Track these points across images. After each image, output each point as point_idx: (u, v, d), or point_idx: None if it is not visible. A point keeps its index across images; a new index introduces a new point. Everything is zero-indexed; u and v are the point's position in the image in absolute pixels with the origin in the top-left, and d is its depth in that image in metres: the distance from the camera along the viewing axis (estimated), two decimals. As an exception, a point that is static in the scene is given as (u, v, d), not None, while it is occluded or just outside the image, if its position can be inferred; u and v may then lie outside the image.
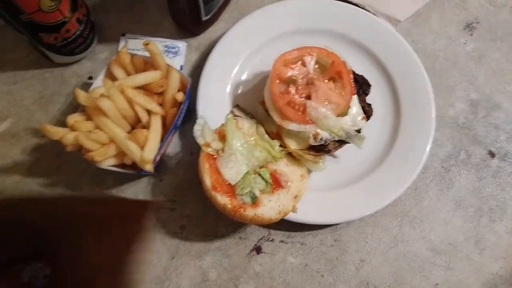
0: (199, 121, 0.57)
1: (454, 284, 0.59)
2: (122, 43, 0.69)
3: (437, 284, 0.59)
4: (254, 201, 0.53)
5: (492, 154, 0.65)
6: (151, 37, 0.69)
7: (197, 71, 0.68)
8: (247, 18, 0.67)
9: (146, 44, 0.55)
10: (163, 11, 0.72)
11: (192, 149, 0.65)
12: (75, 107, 0.66)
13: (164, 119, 0.58)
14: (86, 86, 0.67)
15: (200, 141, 0.55)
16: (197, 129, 0.56)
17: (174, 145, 0.65)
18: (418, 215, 0.62)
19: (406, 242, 0.61)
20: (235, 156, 0.55)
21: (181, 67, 0.68)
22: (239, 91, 0.66)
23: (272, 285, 0.59)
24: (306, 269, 0.59)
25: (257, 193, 0.54)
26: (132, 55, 0.58)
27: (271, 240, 0.61)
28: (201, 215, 0.62)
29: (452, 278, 0.59)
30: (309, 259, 0.60)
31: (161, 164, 0.63)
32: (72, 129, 0.53)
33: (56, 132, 0.52)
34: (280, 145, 0.59)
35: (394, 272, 0.59)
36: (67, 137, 0.52)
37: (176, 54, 0.68)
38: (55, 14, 0.55)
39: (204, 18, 0.66)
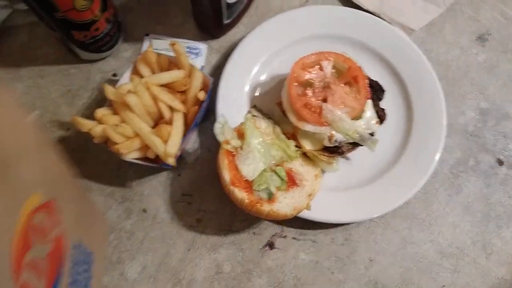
0: (220, 119, 0.59)
1: (461, 286, 0.61)
2: (146, 43, 0.72)
3: (443, 286, 0.61)
4: (270, 197, 0.55)
5: (500, 162, 0.67)
6: (174, 38, 0.72)
7: (216, 72, 0.70)
8: (267, 22, 0.70)
9: (172, 44, 0.58)
10: (185, 14, 0.75)
11: (210, 147, 0.67)
12: (99, 101, 0.69)
13: (185, 116, 0.61)
14: (110, 83, 0.70)
15: (220, 138, 0.58)
16: (218, 127, 0.58)
17: (193, 142, 0.68)
18: (427, 218, 0.64)
19: (414, 244, 0.63)
20: (253, 154, 0.58)
21: (202, 68, 0.71)
22: (257, 93, 0.68)
23: (284, 280, 0.61)
24: (317, 266, 0.62)
25: (273, 189, 0.56)
26: (158, 54, 0.61)
27: (284, 237, 0.63)
28: (216, 209, 0.64)
29: (459, 280, 0.61)
30: (320, 257, 0.62)
31: (180, 159, 0.66)
32: (100, 122, 0.56)
33: (86, 124, 0.55)
34: (296, 145, 0.61)
35: (402, 273, 0.61)
36: (96, 129, 0.55)
37: (197, 55, 0.71)
38: (87, 13, 0.58)
39: (225, 22, 0.69)
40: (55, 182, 0.44)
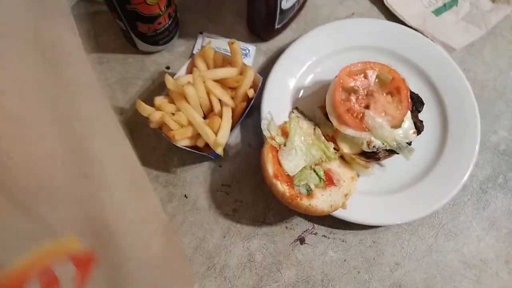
0: (267, 117, 0.63)
1: (482, 297, 0.63)
2: (199, 41, 0.76)
3: (465, 295, 0.63)
4: (309, 193, 0.59)
5: (529, 182, 0.69)
6: (225, 37, 0.76)
7: (262, 73, 0.74)
8: (315, 30, 0.74)
9: (231, 43, 0.62)
10: (237, 15, 0.79)
11: (250, 142, 0.71)
12: (152, 91, 0.74)
13: (232, 111, 0.65)
14: (163, 75, 0.75)
15: (266, 133, 0.62)
16: (264, 123, 0.62)
17: (235, 137, 0.72)
18: (453, 229, 0.67)
19: (439, 253, 0.65)
20: (295, 151, 0.61)
21: (249, 68, 0.75)
22: (300, 95, 0.72)
23: (312, 274, 0.64)
24: (344, 264, 0.65)
25: (312, 186, 0.59)
26: (215, 51, 0.65)
27: (315, 234, 0.66)
28: (252, 201, 0.68)
29: (480, 291, 0.63)
30: (347, 256, 0.65)
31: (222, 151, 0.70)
32: (158, 109, 0.61)
33: (147, 109, 0.59)
34: (334, 148, 0.65)
35: (425, 279, 0.64)
36: (154, 115, 0.59)
37: (246, 55, 0.75)
38: (155, 7, 0.63)
39: (276, 26, 0.73)
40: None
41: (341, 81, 0.64)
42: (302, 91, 0.72)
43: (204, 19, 0.79)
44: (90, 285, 0.31)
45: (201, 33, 0.77)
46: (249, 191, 0.69)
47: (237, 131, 0.72)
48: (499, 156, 0.71)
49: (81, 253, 0.31)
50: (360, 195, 0.65)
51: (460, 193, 0.68)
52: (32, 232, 0.27)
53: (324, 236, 0.66)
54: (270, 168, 0.59)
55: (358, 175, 0.65)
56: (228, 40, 0.76)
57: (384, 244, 0.66)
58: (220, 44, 0.75)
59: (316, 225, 0.67)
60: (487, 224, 0.67)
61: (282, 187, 0.58)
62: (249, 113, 0.71)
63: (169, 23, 0.70)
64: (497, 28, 0.79)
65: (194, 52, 0.76)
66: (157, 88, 0.74)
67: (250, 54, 0.76)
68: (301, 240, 0.66)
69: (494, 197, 0.68)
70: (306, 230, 0.67)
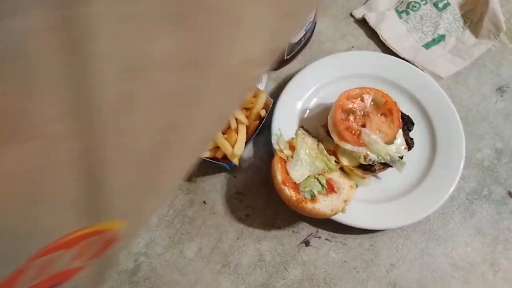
0: (277, 133, 0.73)
1: (469, 296, 0.70)
2: (218, 68, 0.88)
3: (454, 294, 0.70)
4: (313, 198, 0.68)
5: (510, 195, 0.77)
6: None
7: (272, 96, 0.85)
8: (319, 61, 0.85)
9: (247, 70, 0.73)
10: (251, 48, 0.91)
11: (261, 156, 0.81)
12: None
13: (246, 128, 0.76)
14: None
15: (276, 147, 0.72)
16: (274, 138, 0.72)
17: (248, 152, 0.82)
18: (443, 235, 0.74)
19: (430, 255, 0.73)
20: (301, 162, 0.71)
21: (261, 92, 0.86)
22: (305, 116, 0.83)
23: (315, 273, 0.72)
24: (345, 265, 0.72)
25: (315, 192, 0.69)
26: (232, 77, 0.77)
27: (318, 237, 0.75)
28: (263, 208, 0.77)
29: (468, 291, 0.70)
30: (348, 257, 0.73)
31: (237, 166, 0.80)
32: (184, 124, 0.72)
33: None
34: (335, 161, 0.74)
35: (418, 279, 0.71)
36: (181, 129, 0.70)
37: (259, 82, 0.87)
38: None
39: (285, 57, 0.85)
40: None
41: (341, 103, 0.74)
42: (307, 112, 0.83)
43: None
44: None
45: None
46: (260, 198, 0.78)
47: (250, 146, 0.82)
48: (484, 171, 0.80)
49: (116, 234, 0.35)
50: (359, 203, 0.73)
51: (448, 203, 0.76)
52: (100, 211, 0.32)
53: (327, 239, 0.74)
54: (279, 176, 0.68)
55: (356, 185, 0.74)
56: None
57: (380, 247, 0.74)
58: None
59: (319, 230, 0.75)
60: (474, 230, 0.75)
61: (289, 192, 0.67)
62: (260, 131, 0.82)
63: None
64: (480, 60, 0.89)
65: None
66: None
67: (263, 80, 0.87)
68: (306, 243, 0.74)
69: (480, 207, 0.76)
70: (311, 234, 0.75)
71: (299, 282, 0.71)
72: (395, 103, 0.74)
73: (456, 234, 0.74)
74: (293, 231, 0.75)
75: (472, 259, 0.72)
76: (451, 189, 0.74)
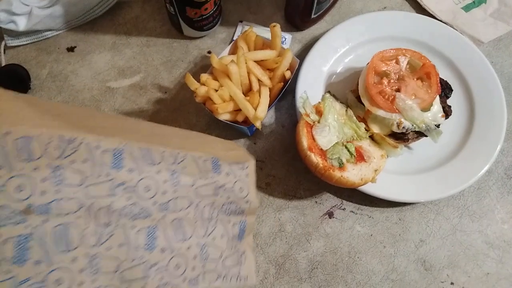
0: (303, 95, 0.68)
1: (504, 276, 0.65)
2: (239, 28, 0.82)
3: (488, 273, 0.65)
4: (341, 166, 0.63)
5: (554, 170, 0.71)
6: (263, 26, 0.82)
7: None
8: (349, 20, 0.78)
9: (273, 26, 0.67)
10: (275, 6, 0.85)
11: (283, 123, 0.76)
12: (194, 72, 0.80)
13: (270, 91, 0.70)
14: (205, 59, 0.81)
15: (302, 110, 0.66)
16: (300, 101, 0.67)
17: (270, 117, 0.76)
18: (478, 211, 0.69)
19: (463, 232, 0.68)
20: (328, 128, 0.66)
21: (285, 54, 0.80)
22: (332, 80, 0.77)
23: (339, 246, 0.68)
24: (371, 239, 0.68)
25: (344, 160, 0.63)
26: (256, 35, 0.71)
27: (343, 209, 0.70)
28: (284, 176, 0.72)
29: (503, 271, 0.66)
30: (374, 231, 0.69)
31: (257, 130, 0.74)
32: (203, 84, 0.66)
33: (194, 84, 0.65)
34: (365, 128, 0.69)
35: (449, 256, 0.67)
36: (200, 89, 0.65)
37: (283, 43, 0.80)
38: (203, -7, 0.69)
39: (312, 16, 0.78)
40: None
41: (374, 65, 0.68)
42: (334, 77, 0.77)
43: (244, 9, 0.85)
44: None
45: (241, 21, 0.83)
46: (281, 167, 0.73)
47: (271, 112, 0.77)
48: (525, 145, 0.74)
49: None
50: (388, 174, 0.68)
51: (485, 178, 0.71)
52: None
53: (352, 212, 0.70)
54: (305, 142, 0.63)
55: (387, 156, 0.69)
56: (265, 28, 0.81)
57: (409, 222, 0.69)
58: (259, 31, 0.80)
59: (344, 201, 0.70)
60: (511, 208, 0.69)
61: (316, 158, 0.62)
62: (283, 96, 0.76)
63: (214, 9, 0.75)
64: (525, 25, 0.82)
65: (234, 38, 0.82)
66: (199, 70, 0.80)
67: (287, 41, 0.81)
68: (330, 214, 0.70)
69: (519, 183, 0.71)
70: (335, 205, 0.70)
71: (321, 254, 0.67)
72: (433, 66, 0.67)
73: (492, 210, 0.69)
74: (316, 202, 0.71)
75: (509, 238, 0.67)
76: (489, 163, 0.68)
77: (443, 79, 0.70)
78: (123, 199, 0.40)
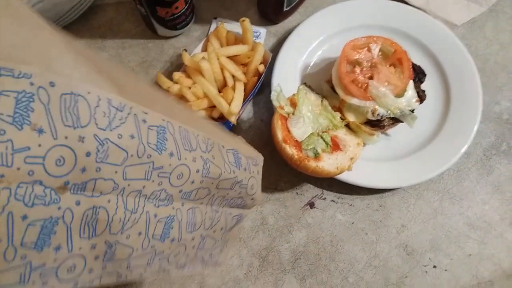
0: (276, 88, 0.68)
1: (486, 256, 0.65)
2: (214, 25, 0.82)
3: (470, 254, 0.66)
4: (317, 156, 0.63)
5: (532, 149, 0.72)
6: (238, 22, 0.82)
7: (272, 52, 0.79)
8: (321, 12, 0.78)
9: (242, 21, 0.67)
10: (249, 3, 0.85)
11: (262, 117, 0.76)
12: (170, 72, 0.80)
13: (245, 86, 0.70)
14: (180, 57, 0.81)
15: (275, 103, 0.66)
16: (274, 95, 0.67)
17: (248, 112, 0.77)
18: (458, 194, 0.69)
19: (444, 215, 0.68)
20: (303, 119, 0.66)
21: (260, 48, 0.80)
22: (307, 72, 0.77)
23: (321, 236, 0.68)
24: (352, 226, 0.68)
25: (319, 150, 0.64)
26: (227, 31, 0.71)
27: (324, 199, 0.70)
28: (265, 170, 0.71)
29: (485, 251, 0.66)
30: (355, 219, 0.69)
31: (236, 126, 0.75)
32: (176, 82, 0.66)
33: (166, 82, 0.65)
34: (341, 117, 0.69)
35: (431, 240, 0.67)
36: (173, 87, 0.65)
37: (257, 37, 0.80)
38: (172, -8, 0.69)
39: (285, 9, 0.78)
40: None
41: (346, 54, 0.68)
42: (309, 68, 0.77)
43: (217, 5, 0.85)
44: None
45: (215, 18, 0.83)
46: (261, 161, 0.73)
47: (249, 106, 0.77)
48: (502, 125, 0.74)
49: None
50: (366, 162, 0.68)
51: (464, 160, 0.71)
52: None
53: (333, 201, 0.70)
54: (279, 134, 0.63)
55: (364, 144, 0.69)
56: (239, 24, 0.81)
57: (390, 208, 0.69)
58: (233, 27, 0.80)
59: (325, 191, 0.71)
60: (491, 188, 0.70)
61: (290, 150, 0.62)
62: (260, 90, 0.76)
63: (186, 8, 0.76)
64: (499, 6, 0.82)
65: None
66: (175, 69, 0.80)
67: (261, 36, 0.81)
68: (311, 205, 0.70)
69: (498, 163, 0.71)
70: (316, 195, 0.71)
71: (304, 245, 0.67)
72: (405, 52, 0.67)
73: (472, 192, 0.70)
74: (297, 193, 0.71)
75: (490, 218, 0.68)
76: (467, 145, 0.68)
77: (416, 64, 0.70)
78: (154, 184, 0.35)
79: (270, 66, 0.74)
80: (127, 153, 0.32)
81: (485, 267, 0.65)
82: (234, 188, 0.48)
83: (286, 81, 0.73)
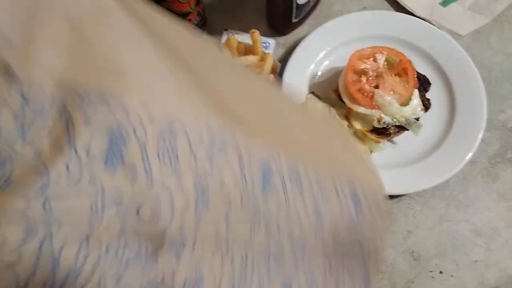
0: (285, 97, 0.70)
1: (492, 263, 0.66)
2: (224, 37, 0.85)
3: (476, 261, 0.67)
4: (324, 163, 0.65)
5: (537, 157, 0.72)
6: (248, 33, 0.85)
7: (281, 63, 0.82)
8: (329, 23, 0.81)
9: (252, 32, 0.70)
10: (259, 14, 0.88)
11: (271, 125, 0.78)
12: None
13: (254, 95, 0.73)
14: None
15: (284, 112, 0.69)
16: (283, 103, 0.70)
17: (257, 120, 0.79)
18: (464, 201, 0.71)
19: (450, 222, 0.69)
20: (311, 127, 0.68)
21: (269, 59, 0.83)
22: (315, 81, 0.79)
23: (329, 241, 0.69)
24: (359, 232, 0.70)
25: (327, 157, 0.66)
26: (238, 42, 0.74)
27: (331, 205, 0.72)
28: (274, 177, 0.74)
29: (491, 258, 0.67)
30: (362, 225, 0.70)
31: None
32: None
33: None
34: (348, 125, 0.71)
35: (437, 246, 0.68)
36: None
37: (266, 48, 0.83)
38: (185, 5, 0.73)
39: (293, 21, 0.81)
40: None
41: (352, 64, 0.70)
42: (317, 77, 0.79)
43: (229, 18, 0.88)
44: None
45: (226, 29, 0.86)
46: (270, 168, 0.75)
47: (259, 115, 0.79)
48: (507, 133, 0.75)
49: None
50: (373, 169, 0.70)
51: (469, 167, 0.72)
52: None
53: (340, 207, 0.72)
54: (288, 141, 0.65)
55: (371, 151, 0.71)
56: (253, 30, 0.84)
57: (396, 214, 0.70)
58: (244, 39, 0.83)
59: (332, 198, 0.72)
60: (497, 195, 0.71)
61: (299, 157, 0.64)
62: (269, 99, 0.79)
63: (198, 20, 0.79)
64: (503, 16, 0.83)
65: (219, 47, 0.85)
66: (187, 79, 0.82)
67: (270, 46, 0.84)
68: (319, 211, 0.72)
69: (503, 170, 0.72)
70: (323, 202, 0.72)
71: (312, 250, 0.69)
72: (409, 61, 0.69)
73: (477, 199, 0.71)
74: (305, 200, 0.73)
75: (495, 225, 0.69)
76: (472, 152, 0.69)
77: (421, 74, 0.72)
78: (262, 234, 0.27)
79: (279, 74, 0.77)
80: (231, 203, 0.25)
81: (491, 273, 0.66)
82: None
83: (294, 90, 0.76)
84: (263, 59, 0.73)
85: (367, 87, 0.69)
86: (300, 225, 0.28)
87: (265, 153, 0.27)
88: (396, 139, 0.73)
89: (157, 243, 0.21)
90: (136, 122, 0.21)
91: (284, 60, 0.82)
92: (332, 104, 0.73)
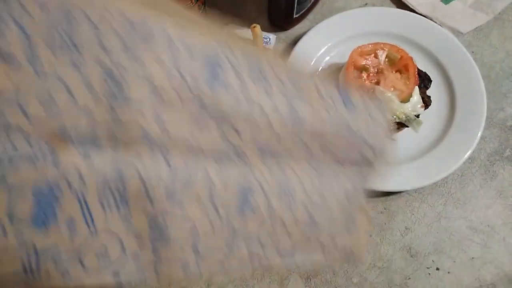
0: (285, 92, 0.70)
1: (489, 260, 0.67)
2: (225, 30, 0.85)
3: (473, 258, 0.67)
4: (324, 158, 0.65)
5: (536, 155, 0.73)
6: (248, 28, 0.84)
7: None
8: (330, 19, 0.81)
9: (253, 27, 0.70)
10: (259, 9, 0.87)
11: (271, 120, 0.78)
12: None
13: (254, 90, 0.73)
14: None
15: (284, 107, 0.69)
16: (283, 98, 0.70)
17: (257, 115, 0.79)
18: (462, 198, 0.71)
19: (448, 219, 0.70)
20: (311, 123, 0.68)
21: (270, 54, 0.83)
22: (316, 77, 0.79)
23: (327, 237, 0.70)
24: (357, 228, 0.70)
25: (326, 153, 0.66)
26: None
27: (330, 201, 0.72)
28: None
29: (488, 255, 0.67)
30: (360, 221, 0.70)
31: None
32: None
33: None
34: (347, 122, 0.71)
35: (435, 243, 0.68)
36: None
37: (267, 43, 0.83)
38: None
39: (294, 16, 0.81)
40: None
41: (353, 60, 0.70)
42: (317, 73, 0.79)
43: (229, 13, 0.88)
44: None
45: (226, 24, 0.86)
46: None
47: (259, 110, 0.79)
48: (507, 131, 0.75)
49: None
50: (372, 165, 0.70)
51: (468, 165, 0.72)
52: None
53: (339, 203, 0.72)
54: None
55: (370, 147, 0.71)
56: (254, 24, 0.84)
57: (394, 211, 0.71)
58: (244, 34, 0.83)
59: (331, 194, 0.73)
60: (495, 193, 0.71)
61: (298, 152, 0.64)
62: (269, 95, 0.79)
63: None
64: (504, 14, 0.83)
65: (220, 41, 0.84)
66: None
67: (271, 42, 0.84)
68: (317, 207, 0.72)
69: (502, 168, 0.72)
70: (322, 198, 0.72)
71: (310, 246, 0.69)
72: (411, 58, 0.69)
73: (475, 196, 0.71)
74: (304, 195, 0.73)
75: (493, 222, 0.69)
76: (471, 150, 0.70)
77: (422, 71, 0.72)
78: (210, 134, 0.27)
79: (279, 71, 0.76)
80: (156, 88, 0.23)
81: (488, 270, 0.66)
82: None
83: (294, 85, 0.76)
84: (263, 54, 0.73)
85: (367, 83, 0.69)
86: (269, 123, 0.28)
87: (210, 46, 0.25)
88: (396, 135, 0.73)
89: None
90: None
91: (284, 55, 0.82)
92: (332, 100, 0.73)
